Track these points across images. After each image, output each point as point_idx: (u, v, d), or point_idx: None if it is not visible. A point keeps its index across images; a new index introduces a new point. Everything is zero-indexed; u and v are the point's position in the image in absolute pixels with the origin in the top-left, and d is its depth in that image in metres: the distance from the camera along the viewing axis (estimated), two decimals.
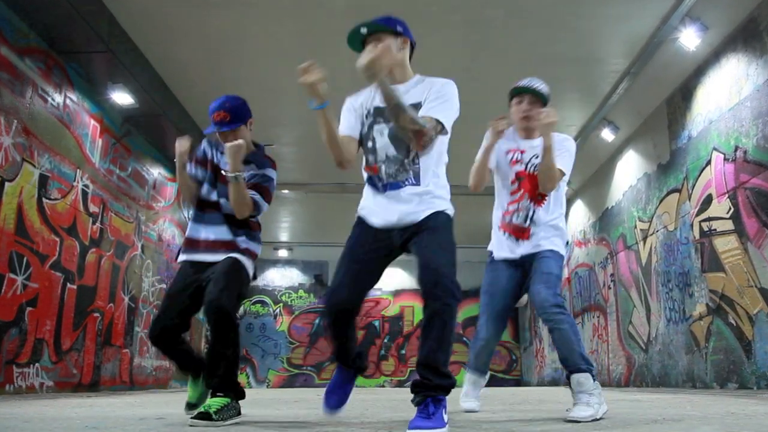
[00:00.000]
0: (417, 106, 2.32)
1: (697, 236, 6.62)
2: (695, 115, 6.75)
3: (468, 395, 3.36)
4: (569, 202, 11.58)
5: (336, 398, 2.52)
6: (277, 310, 16.45)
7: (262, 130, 10.74)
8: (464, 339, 14.73)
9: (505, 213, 3.10)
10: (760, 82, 5.57)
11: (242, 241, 2.91)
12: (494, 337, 3.20)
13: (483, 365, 3.36)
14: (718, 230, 6.19)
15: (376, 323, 16.31)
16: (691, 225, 6.75)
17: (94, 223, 7.15)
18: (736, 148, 5.89)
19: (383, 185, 2.37)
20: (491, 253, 3.18)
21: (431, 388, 2.14)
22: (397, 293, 16.20)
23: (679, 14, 6.12)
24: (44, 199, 6.12)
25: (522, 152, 3.12)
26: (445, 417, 2.14)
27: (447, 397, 2.18)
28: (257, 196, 2.90)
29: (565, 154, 3.07)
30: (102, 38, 6.33)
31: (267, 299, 16.51)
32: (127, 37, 6.88)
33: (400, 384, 15.24)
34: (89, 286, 7.03)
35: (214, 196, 2.98)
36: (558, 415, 2.88)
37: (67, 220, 6.55)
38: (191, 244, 2.93)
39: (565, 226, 3.13)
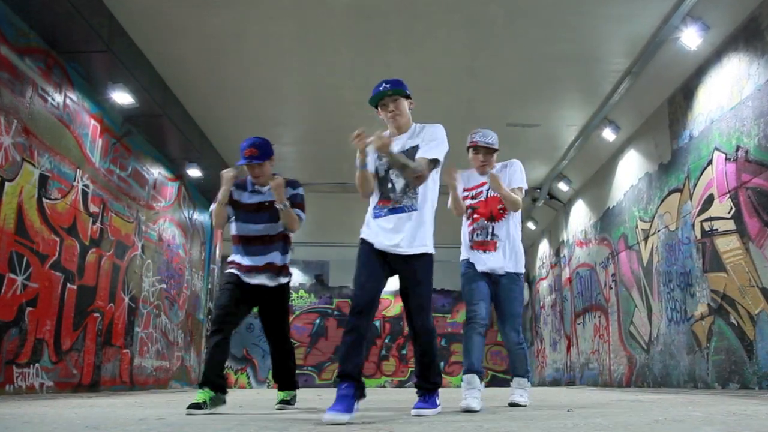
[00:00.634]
0: (416, 148, 3.16)
1: (699, 236, 6.60)
2: (696, 114, 6.73)
3: (467, 396, 3.50)
4: (570, 201, 11.58)
5: (342, 407, 2.68)
6: None
7: (262, 129, 10.76)
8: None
9: (470, 233, 4.00)
10: (761, 81, 5.55)
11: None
12: (487, 317, 3.86)
13: (478, 361, 3.71)
14: (719, 230, 6.17)
15: (377, 323, 16.30)
16: (693, 225, 6.73)
17: (94, 223, 7.14)
18: (738, 148, 5.88)
19: (388, 210, 3.16)
20: (466, 260, 3.97)
21: (426, 390, 3.21)
22: (397, 294, 16.17)
23: (680, 14, 6.11)
24: (44, 199, 6.12)
25: (477, 187, 4.03)
26: (438, 401, 3.21)
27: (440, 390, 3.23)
28: (299, 212, 3.87)
29: (517, 174, 3.98)
30: (102, 38, 6.32)
31: None
32: (128, 37, 6.88)
33: (400, 384, 15.23)
34: (89, 286, 7.02)
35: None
36: (559, 416, 2.87)
37: (67, 220, 6.55)
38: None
39: (521, 251, 4.00)
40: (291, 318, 17.31)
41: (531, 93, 8.26)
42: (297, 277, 16.75)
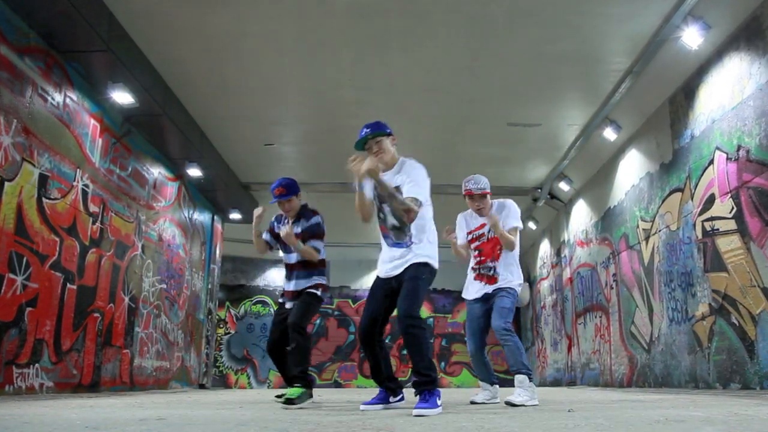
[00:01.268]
0: (399, 188, 3.45)
1: (700, 236, 6.59)
2: (698, 114, 6.72)
3: (478, 394, 4.55)
4: (571, 201, 11.57)
5: (370, 401, 3.70)
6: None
7: (262, 129, 10.79)
8: (465, 339, 14.71)
9: (477, 267, 4.52)
10: (762, 81, 5.54)
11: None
12: (478, 350, 4.48)
13: (483, 375, 4.52)
14: (720, 230, 6.16)
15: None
16: (694, 224, 6.72)
17: (94, 222, 7.13)
18: (739, 148, 5.87)
19: (392, 243, 3.57)
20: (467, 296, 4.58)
21: (422, 384, 3.26)
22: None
23: (681, 13, 6.10)
24: (44, 199, 6.11)
25: (479, 228, 4.49)
26: (439, 402, 3.19)
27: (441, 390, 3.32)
28: (316, 242, 4.58)
29: (512, 215, 4.39)
30: (102, 37, 6.31)
31: (268, 299, 16.49)
32: (128, 37, 6.87)
33: (402, 385, 15.22)
34: (89, 286, 7.01)
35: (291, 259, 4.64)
36: (560, 416, 2.87)
37: (67, 220, 6.54)
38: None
39: (518, 266, 4.47)
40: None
41: (532, 93, 8.24)
42: None
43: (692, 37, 6.26)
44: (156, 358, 9.01)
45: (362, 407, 3.64)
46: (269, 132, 9.61)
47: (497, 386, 4.58)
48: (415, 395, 3.27)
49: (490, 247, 4.45)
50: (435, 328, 16.56)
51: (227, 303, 16.16)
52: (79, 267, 6.77)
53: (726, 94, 6.14)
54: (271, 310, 16.51)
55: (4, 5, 5.48)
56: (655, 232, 7.81)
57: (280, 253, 4.70)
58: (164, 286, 9.38)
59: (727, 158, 6.08)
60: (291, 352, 4.30)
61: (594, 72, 7.62)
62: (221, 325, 15.94)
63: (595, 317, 10.28)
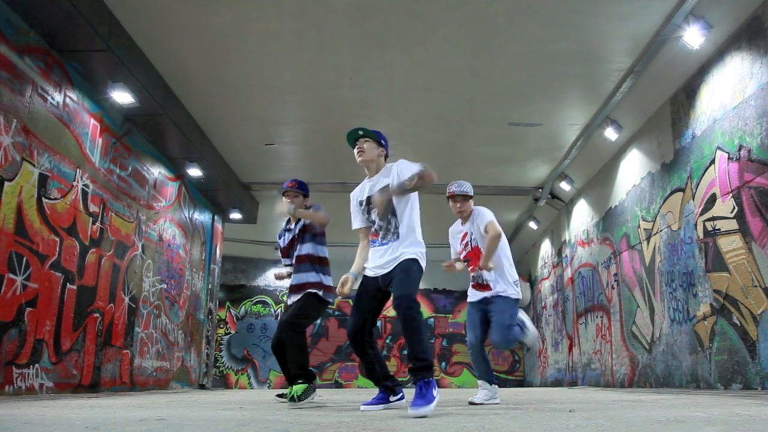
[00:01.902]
0: (387, 186, 3.54)
1: (701, 236, 6.58)
2: (699, 113, 6.71)
3: (477, 394, 4.54)
4: (572, 201, 11.55)
5: (370, 401, 3.78)
6: (279, 311, 16.43)
7: (262, 128, 10.76)
8: (466, 340, 14.70)
9: (472, 275, 4.65)
10: (764, 80, 5.53)
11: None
12: (478, 342, 4.52)
13: (483, 372, 4.54)
14: (722, 230, 6.15)
15: (378, 324, 16.28)
16: (695, 224, 6.71)
17: (94, 222, 7.13)
18: (740, 147, 5.85)
19: (380, 243, 3.61)
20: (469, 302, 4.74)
21: (418, 370, 3.14)
22: None
23: (682, 12, 6.09)
24: (44, 199, 6.10)
25: (463, 238, 4.62)
26: (435, 392, 3.05)
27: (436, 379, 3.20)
28: (314, 205, 4.71)
29: (484, 218, 4.46)
30: (102, 37, 6.30)
31: (268, 299, 16.49)
32: (128, 36, 6.86)
33: (402, 384, 15.21)
34: (89, 287, 7.01)
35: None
36: (561, 416, 2.85)
37: (67, 220, 6.53)
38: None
39: (512, 272, 4.56)
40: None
41: (533, 92, 8.23)
42: None
43: (693, 37, 6.25)
44: (156, 359, 9.00)
45: (362, 408, 3.66)
46: (270, 132, 9.60)
47: (496, 386, 4.57)
48: (413, 383, 3.17)
49: (476, 254, 4.57)
50: (436, 328, 16.56)
51: (227, 303, 16.17)
52: (79, 267, 6.76)
53: (727, 93, 6.13)
54: (272, 310, 16.53)
55: (4, 4, 5.47)
56: (657, 232, 7.79)
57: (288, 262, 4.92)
58: (164, 286, 9.37)
59: (729, 158, 6.07)
60: (287, 351, 4.44)
61: (595, 71, 7.61)
62: (221, 326, 15.94)
63: (597, 317, 10.27)
